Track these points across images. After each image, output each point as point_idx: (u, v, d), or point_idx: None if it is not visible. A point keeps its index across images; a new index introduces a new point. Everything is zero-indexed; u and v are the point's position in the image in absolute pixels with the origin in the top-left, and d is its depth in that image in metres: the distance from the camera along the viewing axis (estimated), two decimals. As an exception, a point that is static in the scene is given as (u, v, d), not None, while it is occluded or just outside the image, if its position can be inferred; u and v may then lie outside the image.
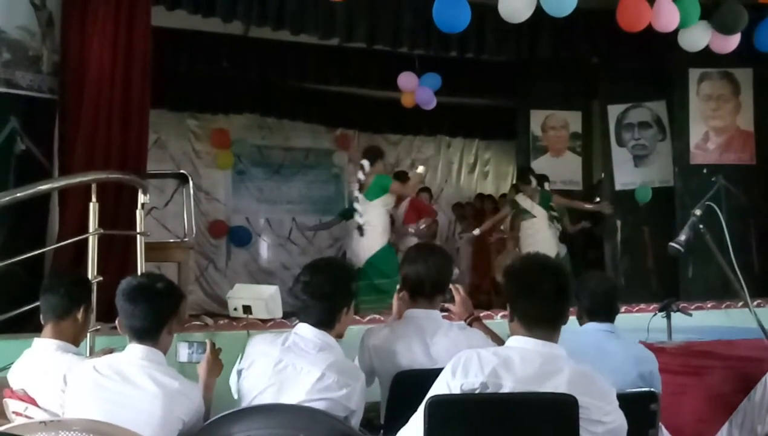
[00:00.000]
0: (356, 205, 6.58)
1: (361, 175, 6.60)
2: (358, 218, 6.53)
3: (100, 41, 5.16)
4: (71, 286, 3.12)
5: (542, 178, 7.64)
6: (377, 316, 5.19)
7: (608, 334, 3.10)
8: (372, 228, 6.51)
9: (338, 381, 2.57)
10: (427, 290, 3.03)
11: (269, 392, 2.59)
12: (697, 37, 6.10)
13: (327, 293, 2.69)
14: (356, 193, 6.62)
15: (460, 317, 3.14)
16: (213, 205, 9.70)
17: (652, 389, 3.04)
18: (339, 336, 2.76)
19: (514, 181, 8.15)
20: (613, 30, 6.06)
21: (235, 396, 2.70)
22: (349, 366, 2.67)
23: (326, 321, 2.70)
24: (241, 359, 2.73)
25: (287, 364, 2.61)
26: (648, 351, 3.17)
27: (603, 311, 3.14)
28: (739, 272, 3.57)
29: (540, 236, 7.23)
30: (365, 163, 6.60)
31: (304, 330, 2.69)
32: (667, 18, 5.77)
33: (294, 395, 2.56)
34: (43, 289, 3.10)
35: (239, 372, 2.71)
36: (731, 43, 6.11)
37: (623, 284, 7.92)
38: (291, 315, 4.35)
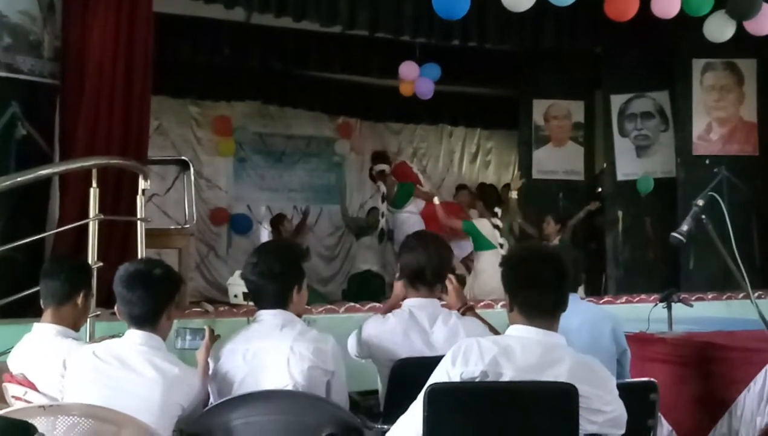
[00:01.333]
0: (382, 219, 6.63)
1: (383, 187, 6.53)
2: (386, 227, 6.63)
3: (101, 27, 5.13)
4: (71, 271, 3.11)
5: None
6: (377, 304, 5.18)
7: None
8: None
9: (309, 348, 2.59)
10: (428, 277, 3.02)
11: (247, 381, 2.59)
12: (723, 26, 6.03)
13: (276, 273, 2.70)
14: (384, 207, 6.61)
15: (454, 306, 3.13)
16: (214, 192, 9.69)
17: (652, 379, 3.06)
18: (298, 315, 2.78)
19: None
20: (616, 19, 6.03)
21: (212, 399, 2.68)
22: (314, 333, 2.68)
23: (280, 301, 2.72)
24: (212, 363, 2.73)
25: (255, 351, 2.62)
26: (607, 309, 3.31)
27: None
28: (740, 263, 3.57)
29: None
30: (384, 167, 6.53)
31: (264, 315, 2.72)
32: (666, 4, 5.71)
33: (273, 377, 2.57)
34: (43, 273, 3.10)
35: (212, 375, 2.69)
36: (765, 26, 6.02)
37: (624, 274, 7.93)
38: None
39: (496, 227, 6.74)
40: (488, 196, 7.32)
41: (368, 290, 7.19)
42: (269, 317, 2.70)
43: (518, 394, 2.24)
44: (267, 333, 2.65)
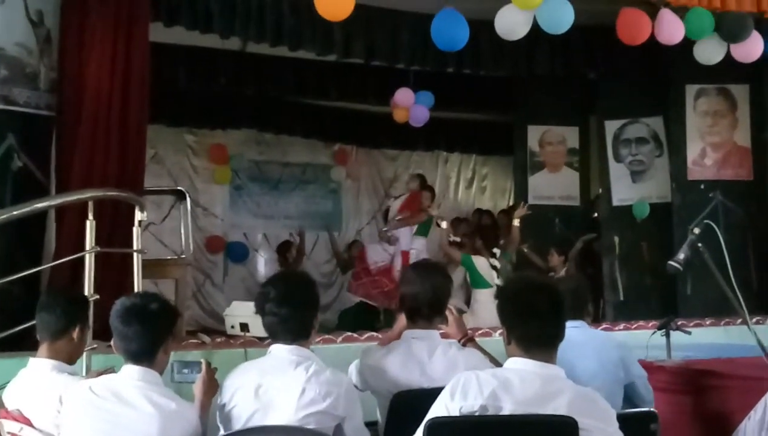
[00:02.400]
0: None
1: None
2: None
3: (98, 58, 5.15)
4: (67, 305, 3.08)
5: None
6: (375, 333, 5.17)
7: (577, 330, 3.13)
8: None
9: (320, 392, 2.56)
10: (424, 311, 3.01)
11: (255, 417, 2.57)
12: (712, 50, 6.08)
13: (300, 301, 2.69)
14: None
15: (454, 337, 3.12)
16: (210, 220, 9.69)
17: (652, 409, 3.05)
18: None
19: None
20: (610, 45, 6.08)
21: (220, 433, 2.64)
22: (328, 375, 2.63)
23: (304, 332, 2.69)
24: (220, 395, 2.70)
25: (267, 387, 2.59)
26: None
27: (570, 309, 3.15)
28: (737, 290, 3.56)
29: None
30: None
31: (279, 350, 2.68)
32: (671, 30, 5.74)
33: (280, 416, 2.54)
34: (39, 307, 3.07)
35: (221, 407, 2.67)
36: (754, 52, 6.08)
37: (621, 300, 7.92)
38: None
39: (493, 267, 6.73)
40: (488, 236, 7.24)
41: (362, 324, 7.15)
42: (284, 353, 2.66)
43: (518, 428, 2.23)
44: (281, 370, 2.61)
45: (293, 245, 8.45)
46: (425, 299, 3.02)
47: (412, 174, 8.77)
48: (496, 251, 6.83)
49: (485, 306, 6.39)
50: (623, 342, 3.60)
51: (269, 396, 2.57)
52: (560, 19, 5.38)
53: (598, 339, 3.48)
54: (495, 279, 6.66)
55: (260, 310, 2.73)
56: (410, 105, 7.97)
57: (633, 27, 5.69)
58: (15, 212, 4.12)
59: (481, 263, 6.78)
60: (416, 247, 7.57)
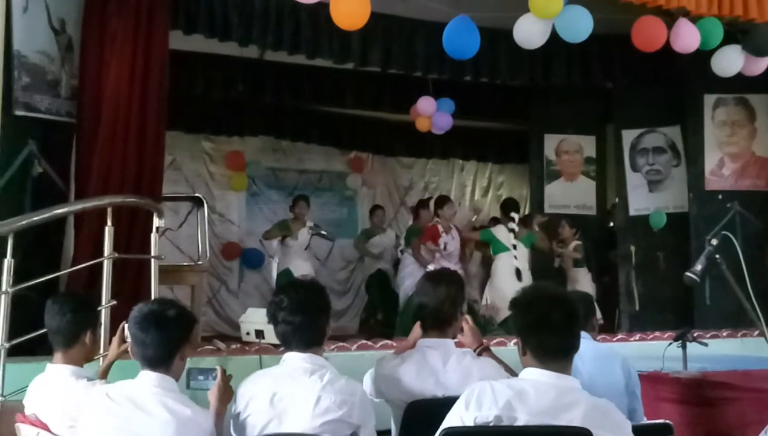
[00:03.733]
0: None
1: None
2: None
3: (118, 66, 5.22)
4: (75, 311, 3.05)
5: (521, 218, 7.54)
6: (389, 341, 5.17)
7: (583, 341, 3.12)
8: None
9: (335, 400, 2.56)
10: (437, 319, 3.01)
11: (271, 426, 2.57)
12: (731, 61, 6.07)
13: (312, 308, 2.69)
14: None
15: (469, 346, 3.11)
16: (226, 226, 9.72)
17: (667, 421, 3.04)
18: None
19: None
20: (628, 55, 6.08)
21: None
22: (343, 383, 2.63)
23: (317, 339, 2.69)
24: (234, 403, 2.69)
25: (282, 396, 2.58)
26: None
27: None
28: (755, 301, 3.54)
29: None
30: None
31: (292, 358, 2.68)
32: (687, 39, 5.73)
33: (295, 424, 2.54)
34: (46, 314, 3.06)
35: (236, 416, 2.66)
36: (761, 65, 6.07)
37: (637, 310, 7.88)
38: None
39: (511, 230, 7.18)
40: (506, 204, 7.73)
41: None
42: (299, 362, 2.66)
43: (533, 439, 2.22)
44: (295, 378, 2.61)
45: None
46: (433, 308, 3.02)
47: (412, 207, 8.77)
48: (514, 215, 7.28)
49: (502, 272, 7.11)
50: (621, 352, 3.59)
51: (284, 405, 2.57)
52: (579, 27, 5.38)
53: (600, 351, 3.46)
54: (512, 240, 7.17)
55: (272, 318, 2.73)
56: (432, 113, 7.98)
57: (648, 34, 5.70)
58: (35, 218, 4.17)
59: (499, 230, 7.36)
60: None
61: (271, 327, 4.71)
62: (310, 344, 2.68)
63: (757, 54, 5.97)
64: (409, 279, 7.37)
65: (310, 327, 2.68)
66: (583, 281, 7.81)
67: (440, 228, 7.28)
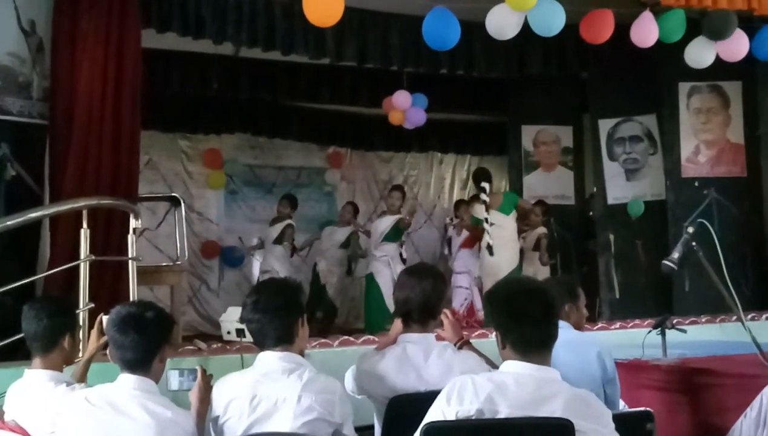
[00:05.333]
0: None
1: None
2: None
3: (90, 66, 5.15)
4: (52, 317, 3.01)
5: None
6: (371, 337, 5.17)
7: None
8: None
9: (316, 399, 2.54)
10: (416, 316, 3.01)
11: (253, 429, 2.54)
12: (703, 53, 6.11)
13: (279, 306, 2.67)
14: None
15: (450, 340, 3.11)
16: (205, 225, 9.69)
17: (648, 409, 3.05)
18: (301, 353, 2.73)
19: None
20: (602, 45, 6.09)
21: None
22: (322, 381, 2.62)
23: (286, 337, 2.67)
24: (211, 408, 2.66)
25: (261, 397, 2.56)
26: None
27: None
28: (732, 288, 3.57)
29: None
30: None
31: (268, 358, 2.66)
32: (646, 33, 5.80)
33: (277, 426, 2.52)
34: (23, 319, 3.01)
35: (214, 420, 2.63)
36: (740, 50, 6.12)
37: (617, 298, 7.93)
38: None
39: (483, 202, 7.02)
40: (476, 175, 7.54)
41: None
42: (275, 361, 2.63)
43: (514, 431, 2.22)
44: (274, 379, 2.59)
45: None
46: (419, 302, 3.01)
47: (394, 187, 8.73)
48: (485, 184, 7.05)
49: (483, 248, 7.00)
50: (599, 340, 3.58)
51: (265, 407, 2.55)
52: (551, 21, 5.40)
53: (575, 339, 3.44)
54: (483, 213, 6.98)
55: (245, 319, 2.73)
56: (407, 107, 7.97)
57: (596, 26, 5.83)
58: (9, 222, 4.12)
59: (477, 209, 7.23)
60: (388, 252, 7.62)
61: (251, 326, 4.73)
62: (281, 341, 2.66)
63: (716, 38, 6.01)
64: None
65: (282, 325, 2.66)
66: (538, 265, 7.78)
67: (396, 203, 7.79)
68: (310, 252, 9.33)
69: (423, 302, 3.00)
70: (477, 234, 7.62)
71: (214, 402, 2.65)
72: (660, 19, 5.83)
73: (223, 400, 2.62)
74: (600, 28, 5.81)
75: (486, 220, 6.93)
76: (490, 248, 6.88)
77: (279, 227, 8.30)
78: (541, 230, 7.91)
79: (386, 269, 7.48)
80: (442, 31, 5.61)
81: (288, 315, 2.69)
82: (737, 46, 6.04)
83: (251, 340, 4.63)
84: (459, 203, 8.96)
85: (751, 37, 6.08)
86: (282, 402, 2.54)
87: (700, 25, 6.02)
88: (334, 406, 2.58)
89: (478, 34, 6.34)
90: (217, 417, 2.62)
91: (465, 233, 8.14)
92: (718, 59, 6.16)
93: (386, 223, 7.74)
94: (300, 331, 2.72)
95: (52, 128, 5.16)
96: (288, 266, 8.32)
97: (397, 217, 7.66)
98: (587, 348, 3.34)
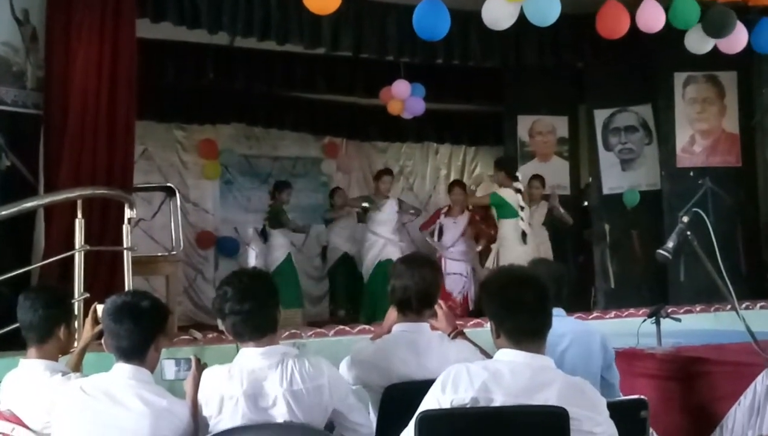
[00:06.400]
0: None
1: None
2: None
3: (84, 56, 5.13)
4: (48, 307, 3.00)
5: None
6: (367, 326, 5.18)
7: (557, 319, 3.14)
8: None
9: (307, 387, 2.53)
10: (413, 304, 3.01)
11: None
12: (702, 39, 6.11)
13: (266, 294, 2.61)
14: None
15: (444, 331, 3.12)
16: (201, 215, 9.66)
17: (642, 397, 3.07)
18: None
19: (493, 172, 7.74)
20: (598, 35, 6.08)
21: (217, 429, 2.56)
22: (309, 367, 2.57)
23: (271, 326, 2.60)
24: (203, 406, 2.58)
25: (255, 394, 2.51)
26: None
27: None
28: (726, 277, 3.59)
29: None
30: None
31: (250, 354, 2.58)
32: (652, 19, 5.79)
33: (270, 420, 2.51)
34: (18, 309, 3.01)
35: (207, 418, 2.57)
36: (739, 43, 6.12)
37: (612, 288, 7.95)
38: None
39: (518, 190, 7.06)
40: (503, 162, 7.61)
41: None
42: (258, 357, 2.57)
43: (509, 419, 2.24)
44: (263, 376, 2.53)
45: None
46: (419, 290, 3.01)
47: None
48: (518, 174, 7.22)
49: (510, 237, 7.00)
50: (600, 329, 3.57)
51: (261, 404, 2.51)
52: (547, 11, 5.39)
53: (578, 329, 3.46)
54: (520, 202, 7.05)
55: (219, 312, 2.62)
56: (406, 97, 7.96)
57: (612, 20, 5.78)
58: (4, 212, 4.11)
59: (507, 193, 7.14)
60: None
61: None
62: (264, 331, 2.59)
63: (715, 35, 6.01)
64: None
65: (260, 313, 2.59)
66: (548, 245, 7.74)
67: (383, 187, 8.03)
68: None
69: (422, 289, 3.01)
70: (484, 221, 7.71)
71: (205, 400, 2.58)
72: (673, 6, 5.82)
73: (214, 399, 2.55)
74: (616, 23, 5.78)
75: (522, 208, 7.01)
76: (524, 235, 6.96)
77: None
78: (545, 203, 7.87)
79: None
80: (432, 21, 5.60)
81: (268, 303, 2.63)
82: (736, 39, 6.04)
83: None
84: (453, 185, 8.79)
85: (748, 29, 6.08)
86: (272, 397, 2.51)
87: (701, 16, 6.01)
88: (324, 389, 2.57)
89: (474, 24, 6.32)
90: (210, 416, 2.56)
91: (462, 219, 8.01)
92: (714, 49, 6.16)
93: (392, 207, 7.84)
94: (280, 319, 2.67)
95: (47, 118, 5.15)
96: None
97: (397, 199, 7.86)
98: (590, 337, 3.36)
